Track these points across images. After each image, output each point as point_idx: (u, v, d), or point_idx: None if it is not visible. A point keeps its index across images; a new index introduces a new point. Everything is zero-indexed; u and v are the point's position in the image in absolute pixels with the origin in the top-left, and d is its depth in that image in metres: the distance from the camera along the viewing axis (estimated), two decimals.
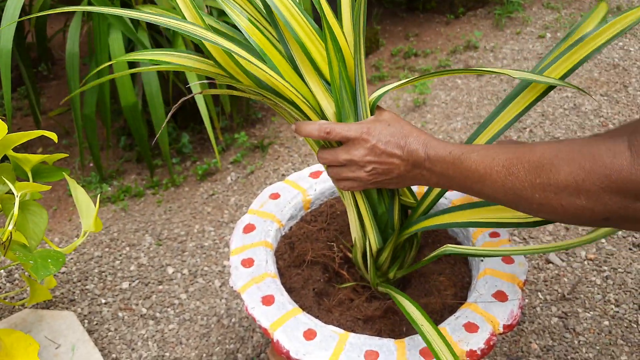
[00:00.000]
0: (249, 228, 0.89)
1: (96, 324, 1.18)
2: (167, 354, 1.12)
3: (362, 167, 0.65)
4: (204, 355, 1.12)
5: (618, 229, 0.55)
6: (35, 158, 0.78)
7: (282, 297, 0.77)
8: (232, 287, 0.80)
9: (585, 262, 1.28)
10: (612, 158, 0.49)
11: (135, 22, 1.32)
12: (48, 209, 1.52)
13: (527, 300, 1.20)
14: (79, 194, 0.75)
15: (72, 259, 1.34)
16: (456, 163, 0.60)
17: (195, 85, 1.31)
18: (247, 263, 0.83)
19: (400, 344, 0.71)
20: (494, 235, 0.87)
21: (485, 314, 0.75)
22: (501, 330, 0.74)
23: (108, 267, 1.32)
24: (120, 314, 1.20)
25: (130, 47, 1.41)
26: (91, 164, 1.67)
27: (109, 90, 1.39)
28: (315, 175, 1.00)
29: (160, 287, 1.27)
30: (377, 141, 0.63)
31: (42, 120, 1.86)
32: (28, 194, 0.78)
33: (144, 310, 1.21)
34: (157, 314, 1.20)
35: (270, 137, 1.75)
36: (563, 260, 1.30)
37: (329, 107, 0.66)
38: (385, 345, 0.71)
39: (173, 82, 1.46)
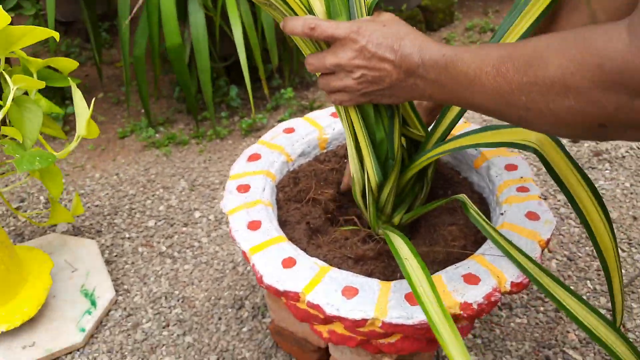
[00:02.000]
0: (254, 157, 0.84)
1: (116, 255, 1.19)
2: (177, 292, 1.10)
3: (349, 73, 0.57)
4: (212, 297, 1.08)
5: (621, 140, 0.44)
6: (40, 61, 0.78)
7: (270, 225, 0.72)
8: (221, 209, 0.75)
9: None
10: (606, 42, 0.39)
11: None
12: (97, 148, 1.56)
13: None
14: (77, 98, 0.73)
15: (107, 194, 1.36)
16: (449, 66, 0.52)
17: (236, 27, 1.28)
18: (243, 189, 0.78)
19: (385, 285, 0.63)
20: (522, 189, 0.76)
21: (491, 267, 0.65)
22: (508, 288, 0.64)
23: (139, 205, 1.33)
24: (140, 249, 1.20)
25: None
26: (142, 110, 1.69)
27: (157, 33, 1.40)
28: (336, 114, 0.93)
29: (184, 229, 1.25)
30: (367, 42, 0.55)
31: (109, 69, 1.93)
32: (34, 93, 0.77)
33: (164, 249, 1.20)
34: (176, 254, 1.18)
35: (322, 100, 1.70)
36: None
37: (318, 3, 0.59)
38: (367, 284, 0.63)
39: (220, 28, 1.44)
